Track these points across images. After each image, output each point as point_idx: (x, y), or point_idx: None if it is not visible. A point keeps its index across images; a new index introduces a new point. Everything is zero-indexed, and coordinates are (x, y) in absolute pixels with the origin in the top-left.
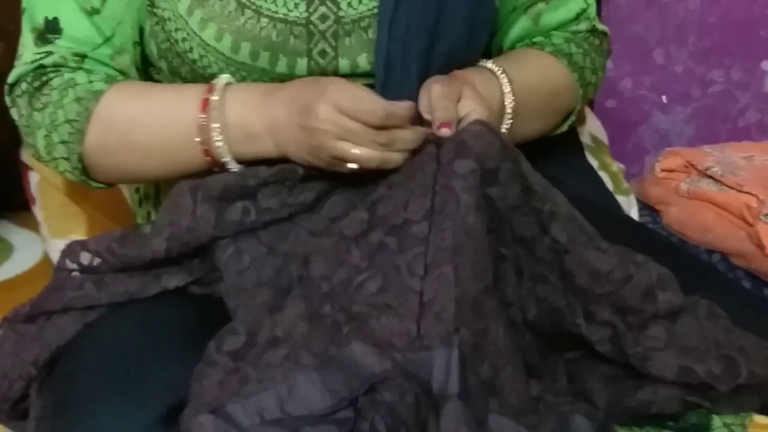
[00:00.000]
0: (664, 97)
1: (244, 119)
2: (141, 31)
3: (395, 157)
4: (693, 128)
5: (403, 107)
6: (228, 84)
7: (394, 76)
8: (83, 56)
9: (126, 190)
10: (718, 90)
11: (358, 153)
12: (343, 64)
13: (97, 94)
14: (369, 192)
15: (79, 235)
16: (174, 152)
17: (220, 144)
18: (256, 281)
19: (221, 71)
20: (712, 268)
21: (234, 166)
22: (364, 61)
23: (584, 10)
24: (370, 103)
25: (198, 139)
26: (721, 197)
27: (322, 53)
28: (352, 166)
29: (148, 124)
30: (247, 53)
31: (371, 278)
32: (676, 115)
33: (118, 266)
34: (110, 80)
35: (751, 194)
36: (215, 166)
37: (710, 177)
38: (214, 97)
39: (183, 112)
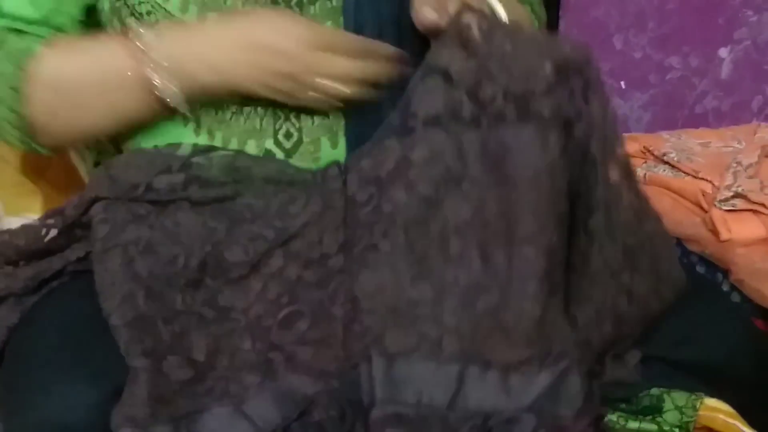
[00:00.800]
0: (622, 83)
1: (178, 54)
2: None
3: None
4: (651, 114)
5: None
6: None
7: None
8: (18, 31)
9: (82, 168)
10: (676, 76)
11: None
12: None
13: (32, 53)
14: (283, 230)
15: (35, 213)
16: (120, 103)
17: (159, 83)
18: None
19: None
20: None
21: (181, 105)
22: None
23: None
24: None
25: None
26: (678, 183)
27: None
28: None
29: (91, 80)
30: (194, 16)
31: (297, 315)
32: (634, 101)
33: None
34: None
35: (707, 180)
36: (162, 107)
37: (667, 163)
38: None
39: (119, 61)
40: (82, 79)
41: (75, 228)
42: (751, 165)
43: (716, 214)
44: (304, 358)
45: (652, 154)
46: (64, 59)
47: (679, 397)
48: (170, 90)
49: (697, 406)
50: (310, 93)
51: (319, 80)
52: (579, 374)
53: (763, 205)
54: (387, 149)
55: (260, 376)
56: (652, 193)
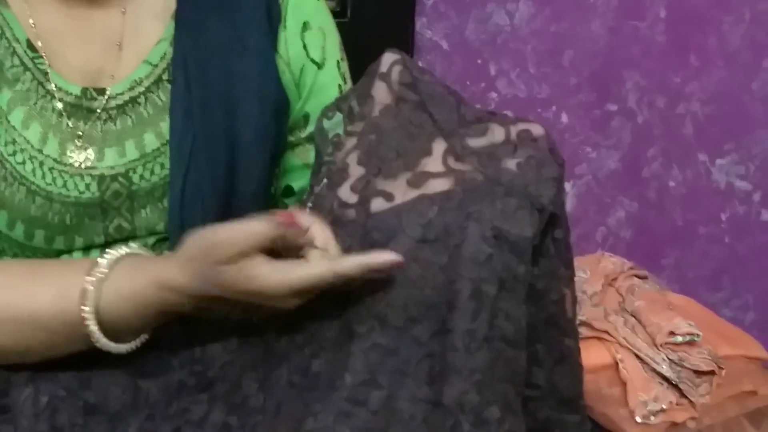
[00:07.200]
0: None
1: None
2: None
3: None
4: None
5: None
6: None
7: None
8: None
9: None
10: None
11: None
12: (141, 235)
13: None
14: (203, 374)
15: None
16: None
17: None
18: (49, 425)
19: (16, 256)
20: None
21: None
22: (162, 229)
23: None
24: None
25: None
26: None
27: (119, 229)
28: None
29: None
30: (42, 239)
31: None
32: None
33: None
34: None
35: None
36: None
37: None
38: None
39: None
40: (21, 313)
41: None
42: (595, 293)
43: None
44: None
45: None
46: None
47: None
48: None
49: None
50: None
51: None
52: None
53: (607, 332)
54: None
55: None
56: None
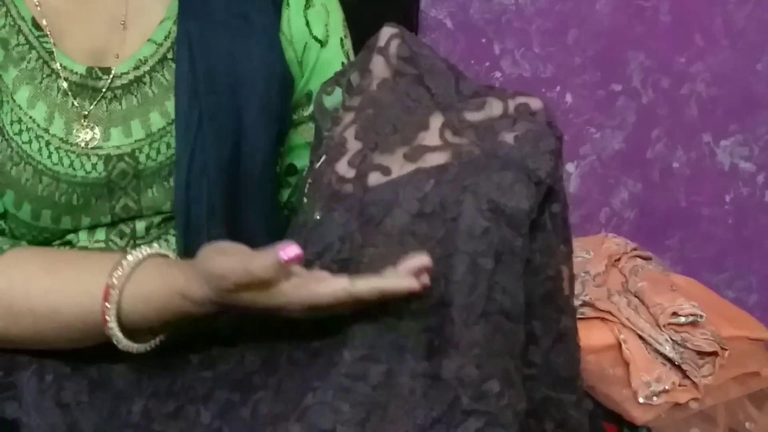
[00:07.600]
0: None
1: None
2: None
3: None
4: None
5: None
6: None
7: (199, 216)
8: None
9: None
10: None
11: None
12: (148, 215)
13: None
14: (208, 353)
15: None
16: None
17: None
18: (55, 402)
19: (23, 237)
20: None
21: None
22: (168, 208)
23: None
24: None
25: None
26: None
27: (125, 209)
28: None
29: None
30: (48, 219)
31: None
32: None
33: None
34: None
35: None
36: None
37: None
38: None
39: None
40: (40, 307)
41: None
42: (598, 274)
43: None
44: None
45: None
46: (31, 274)
47: None
48: (129, 345)
49: None
50: None
51: None
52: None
53: (610, 312)
54: None
55: None
56: None
